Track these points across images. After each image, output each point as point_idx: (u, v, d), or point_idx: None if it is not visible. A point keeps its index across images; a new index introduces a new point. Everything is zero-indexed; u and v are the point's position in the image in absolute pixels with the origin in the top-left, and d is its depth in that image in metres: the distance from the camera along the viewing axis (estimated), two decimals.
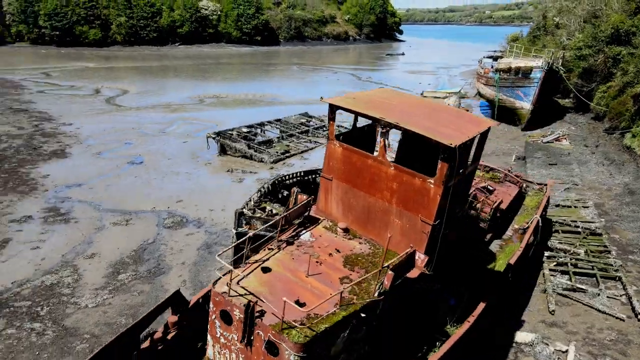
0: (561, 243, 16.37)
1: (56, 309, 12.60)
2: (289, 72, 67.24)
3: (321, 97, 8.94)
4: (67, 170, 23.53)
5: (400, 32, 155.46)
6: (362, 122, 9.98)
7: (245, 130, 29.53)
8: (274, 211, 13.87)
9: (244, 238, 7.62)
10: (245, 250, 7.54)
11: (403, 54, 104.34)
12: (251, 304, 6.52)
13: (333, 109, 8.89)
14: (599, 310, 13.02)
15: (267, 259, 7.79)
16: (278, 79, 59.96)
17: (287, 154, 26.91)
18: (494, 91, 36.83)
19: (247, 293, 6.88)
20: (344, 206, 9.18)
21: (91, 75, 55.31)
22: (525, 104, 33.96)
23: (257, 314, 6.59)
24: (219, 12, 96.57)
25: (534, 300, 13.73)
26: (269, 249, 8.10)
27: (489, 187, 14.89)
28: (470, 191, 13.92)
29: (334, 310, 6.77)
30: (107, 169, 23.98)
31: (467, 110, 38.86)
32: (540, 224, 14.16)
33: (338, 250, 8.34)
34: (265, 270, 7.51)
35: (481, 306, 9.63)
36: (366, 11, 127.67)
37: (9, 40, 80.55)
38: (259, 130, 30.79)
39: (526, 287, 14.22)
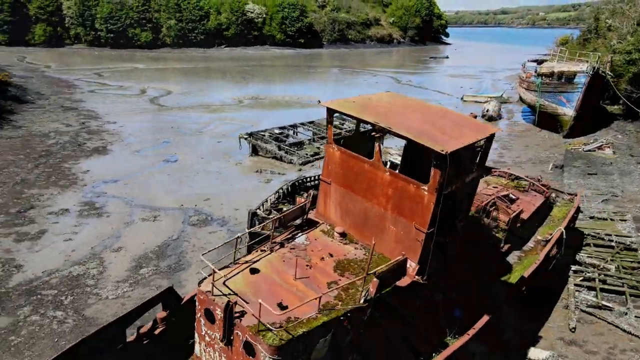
0: (590, 257, 15.57)
1: (79, 299, 13.29)
2: (328, 75, 67.45)
3: (319, 101, 8.96)
4: (106, 167, 24.72)
5: (447, 35, 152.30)
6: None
7: (277, 131, 29.90)
8: None
9: (232, 239, 7.76)
10: (234, 250, 7.67)
11: (447, 57, 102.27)
12: (230, 304, 6.61)
13: (331, 112, 8.87)
14: (624, 330, 12.31)
15: (258, 260, 7.88)
16: (317, 82, 60.28)
17: (316, 156, 27.02)
18: (536, 96, 35.41)
19: (231, 293, 6.98)
20: (341, 210, 9.14)
21: (140, 75, 57.73)
22: (567, 110, 32.41)
23: (237, 314, 6.67)
24: (264, 15, 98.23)
25: (555, 315, 13.15)
26: (261, 250, 8.18)
27: (510, 195, 14.36)
28: (490, 199, 13.50)
29: (315, 315, 6.76)
30: (143, 166, 25.00)
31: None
32: (564, 236, 13.51)
33: (331, 255, 8.31)
34: (254, 271, 7.59)
35: (484, 319, 9.33)
36: (411, 14, 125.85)
37: (67, 42, 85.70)
38: (291, 132, 31.05)
39: (547, 301, 13.62)
